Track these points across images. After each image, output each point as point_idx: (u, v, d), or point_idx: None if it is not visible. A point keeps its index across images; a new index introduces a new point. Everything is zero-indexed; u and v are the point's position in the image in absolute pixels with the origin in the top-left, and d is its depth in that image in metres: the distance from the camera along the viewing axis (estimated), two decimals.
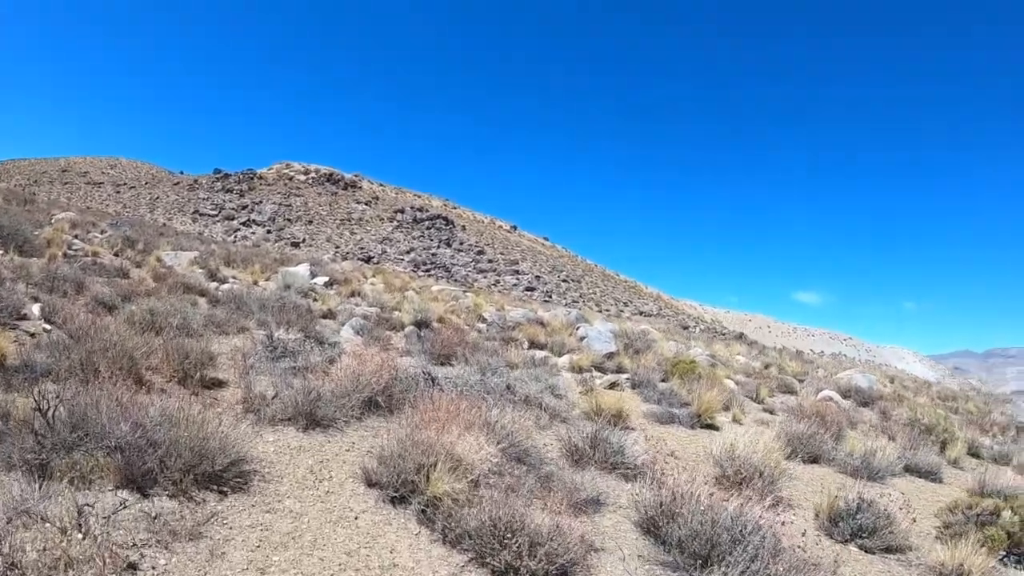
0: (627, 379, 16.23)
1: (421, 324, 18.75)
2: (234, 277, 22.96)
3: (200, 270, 22.05)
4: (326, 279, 24.59)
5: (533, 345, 19.70)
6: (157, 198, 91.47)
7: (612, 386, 15.42)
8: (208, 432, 6.21)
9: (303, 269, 25.33)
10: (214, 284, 20.15)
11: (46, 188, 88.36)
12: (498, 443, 7.53)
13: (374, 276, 31.20)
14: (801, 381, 23.80)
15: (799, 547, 6.82)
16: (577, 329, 22.98)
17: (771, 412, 16.63)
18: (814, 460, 11.69)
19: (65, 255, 19.61)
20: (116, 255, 22.33)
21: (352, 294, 23.06)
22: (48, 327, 11.10)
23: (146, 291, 15.99)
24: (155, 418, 6.35)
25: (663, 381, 17.00)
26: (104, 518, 5.05)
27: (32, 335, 10.33)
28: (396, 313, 20.34)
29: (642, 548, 6.88)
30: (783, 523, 6.89)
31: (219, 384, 9.64)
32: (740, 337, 68.49)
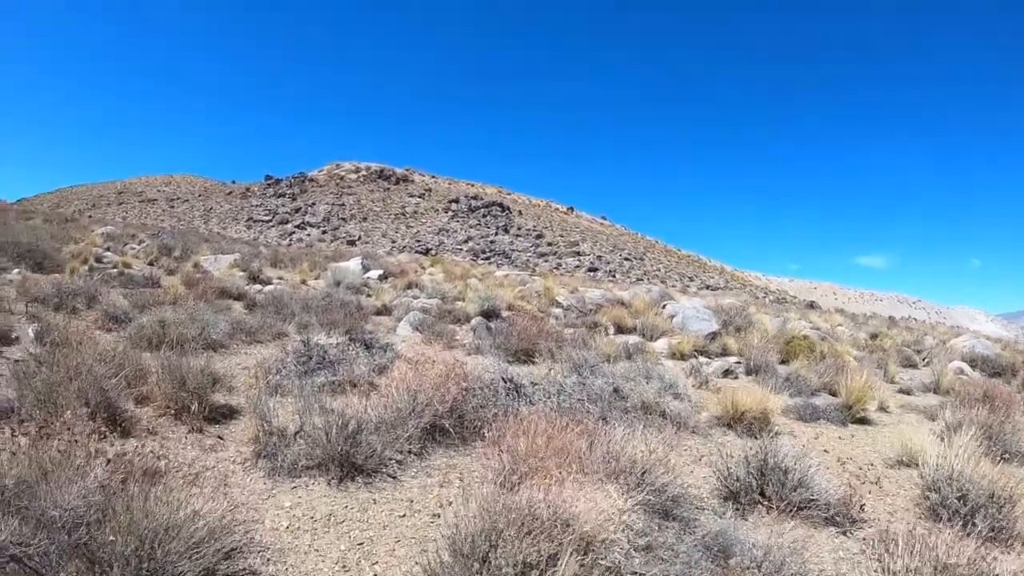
0: (737, 363, 13.52)
1: (489, 314, 16.30)
2: (280, 278, 20.78)
3: (240, 273, 19.86)
4: (380, 272, 22.22)
5: (620, 330, 17.07)
6: (211, 209, 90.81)
7: (726, 374, 12.76)
8: (159, 522, 3.69)
9: (354, 264, 23.00)
10: (256, 286, 17.99)
11: (103, 210, 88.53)
12: (629, 489, 4.88)
13: (432, 266, 28.77)
14: (918, 352, 20.69)
15: None
16: (663, 307, 20.25)
17: (907, 392, 13.74)
18: (1006, 458, 8.67)
19: (92, 268, 17.61)
20: (150, 264, 20.34)
21: (409, 286, 20.66)
22: (38, 351, 8.92)
23: (172, 299, 13.80)
24: (79, 502, 3.85)
25: (782, 363, 14.24)
26: None
27: (18, 362, 8.15)
28: (459, 303, 17.96)
29: None
30: None
31: (230, 414, 7.22)
32: (811, 306, 64.79)
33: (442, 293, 18.85)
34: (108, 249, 21.47)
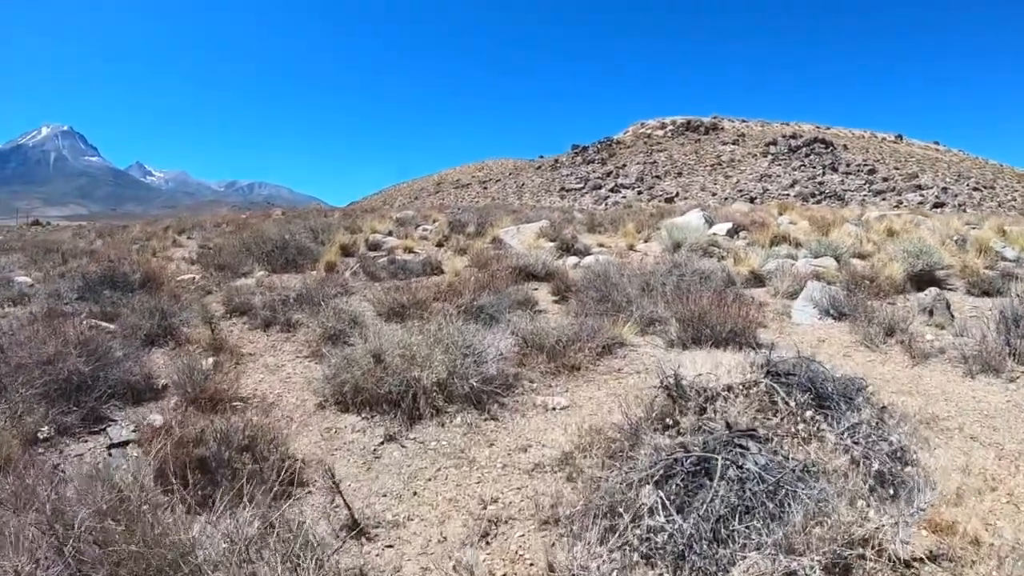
0: None
1: (927, 278, 10.28)
2: (600, 245, 15.77)
3: (549, 243, 15.05)
4: (728, 226, 16.35)
5: None
6: (523, 185, 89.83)
7: None
8: None
9: (695, 217, 17.34)
10: (570, 259, 13.23)
11: (422, 200, 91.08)
12: None
13: (783, 213, 22.24)
14: None
15: None
16: None
17: None
18: None
19: (362, 258, 13.75)
20: (438, 245, 16.25)
21: (774, 241, 14.69)
22: (160, 422, 4.68)
23: (446, 290, 9.26)
24: None
25: None
26: None
27: (113, 448, 4.59)
28: (858, 262, 12.04)
29: None
30: None
31: None
32: None
33: (833, 249, 12.69)
34: (390, 234, 17.66)
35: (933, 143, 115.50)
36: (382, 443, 4.57)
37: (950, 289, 10.60)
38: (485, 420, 4.87)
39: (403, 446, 4.53)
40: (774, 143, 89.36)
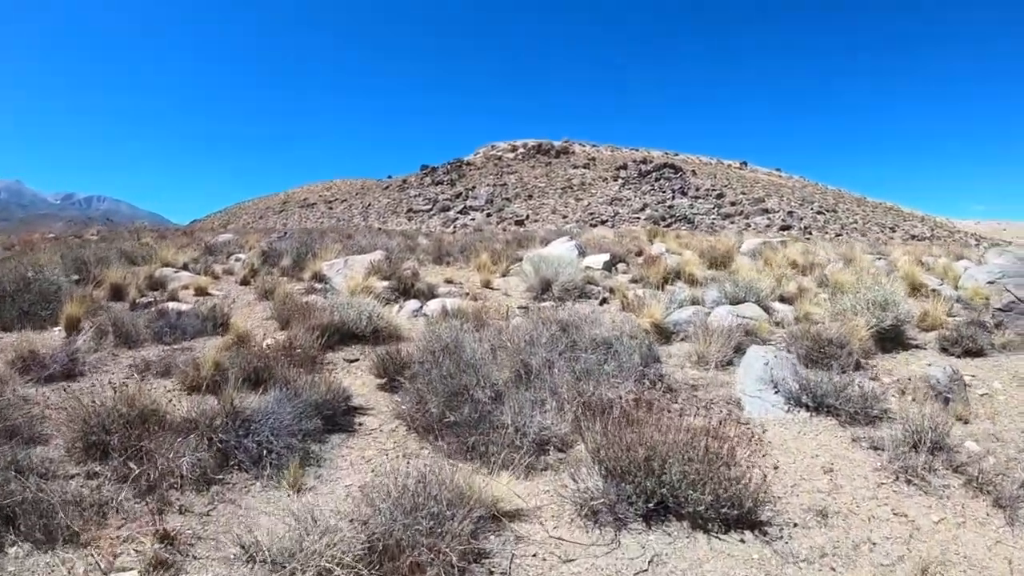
0: None
1: (891, 335, 7.75)
2: (449, 281, 12.46)
3: (383, 282, 11.61)
4: (606, 258, 13.35)
5: None
6: (369, 205, 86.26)
7: None
8: None
9: (566, 249, 14.17)
10: (410, 304, 9.96)
11: (267, 219, 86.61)
12: None
13: (654, 240, 19.47)
14: None
15: None
16: None
17: None
18: None
19: (134, 304, 9.97)
20: (243, 283, 12.56)
21: (666, 279, 11.80)
22: None
23: (209, 375, 5.79)
24: None
25: None
26: None
27: None
28: (784, 308, 9.43)
29: None
30: None
31: None
32: None
33: (754, 292, 9.81)
34: (186, 267, 13.63)
35: (775, 170, 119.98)
36: None
37: (917, 346, 7.97)
38: None
39: None
40: (624, 167, 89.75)
